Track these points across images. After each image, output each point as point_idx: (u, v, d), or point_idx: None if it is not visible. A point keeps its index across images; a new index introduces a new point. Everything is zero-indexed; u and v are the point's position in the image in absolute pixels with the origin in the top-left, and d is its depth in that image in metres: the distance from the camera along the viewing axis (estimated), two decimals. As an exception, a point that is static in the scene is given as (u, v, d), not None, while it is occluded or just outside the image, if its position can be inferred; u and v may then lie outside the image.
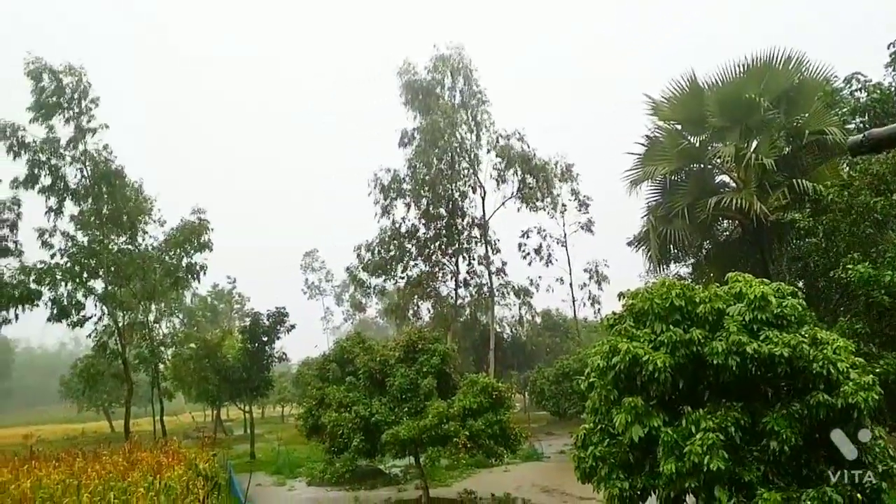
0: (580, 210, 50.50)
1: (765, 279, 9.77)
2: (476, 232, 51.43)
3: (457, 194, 50.18)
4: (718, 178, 26.52)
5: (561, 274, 52.04)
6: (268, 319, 41.60)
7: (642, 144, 26.80)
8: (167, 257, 45.20)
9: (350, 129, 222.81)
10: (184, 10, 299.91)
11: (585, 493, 13.77)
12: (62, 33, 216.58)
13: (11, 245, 39.60)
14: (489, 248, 50.82)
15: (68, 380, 65.60)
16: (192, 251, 44.65)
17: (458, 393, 21.09)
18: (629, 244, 28.70)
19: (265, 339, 41.30)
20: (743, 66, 24.16)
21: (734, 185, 24.72)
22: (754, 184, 22.96)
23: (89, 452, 26.86)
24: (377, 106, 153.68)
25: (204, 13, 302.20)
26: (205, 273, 45.85)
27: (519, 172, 49.26)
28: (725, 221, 27.41)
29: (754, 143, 23.86)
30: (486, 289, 51.46)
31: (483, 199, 50.45)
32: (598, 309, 51.61)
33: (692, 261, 29.13)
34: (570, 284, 52.09)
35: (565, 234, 51.25)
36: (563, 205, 50.39)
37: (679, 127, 26.21)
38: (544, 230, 51.46)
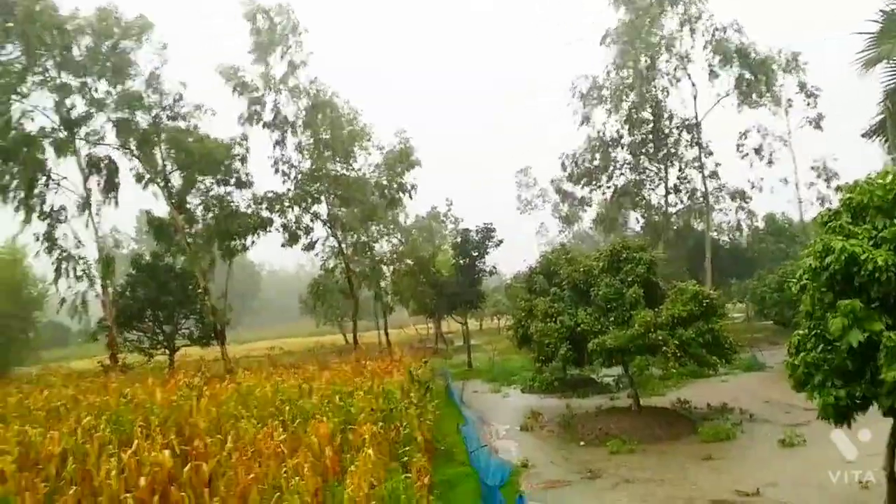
0: (808, 104, 45.86)
1: None
2: (686, 135, 48.52)
3: (661, 96, 47.38)
4: (975, 51, 22.70)
5: (785, 174, 48.20)
6: (476, 235, 42.75)
7: (876, 21, 23.50)
8: (384, 179, 47.60)
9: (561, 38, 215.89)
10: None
11: (811, 404, 12.91)
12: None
13: (244, 177, 43.76)
14: (701, 150, 47.81)
15: (305, 298, 71.91)
16: (402, 172, 46.66)
17: (665, 302, 20.50)
18: (864, 136, 25.70)
19: (475, 254, 42.55)
20: None
21: None
22: None
23: (322, 362, 29.72)
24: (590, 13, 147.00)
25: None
26: (415, 191, 47.87)
27: (736, 68, 45.38)
28: None
29: None
30: (699, 194, 48.81)
31: (694, 98, 47.29)
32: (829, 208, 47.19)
33: (942, 149, 25.54)
34: (796, 184, 48.17)
35: (790, 131, 47.12)
36: (789, 99, 46.04)
37: (924, -7, 22.63)
38: (764, 128, 47.56)
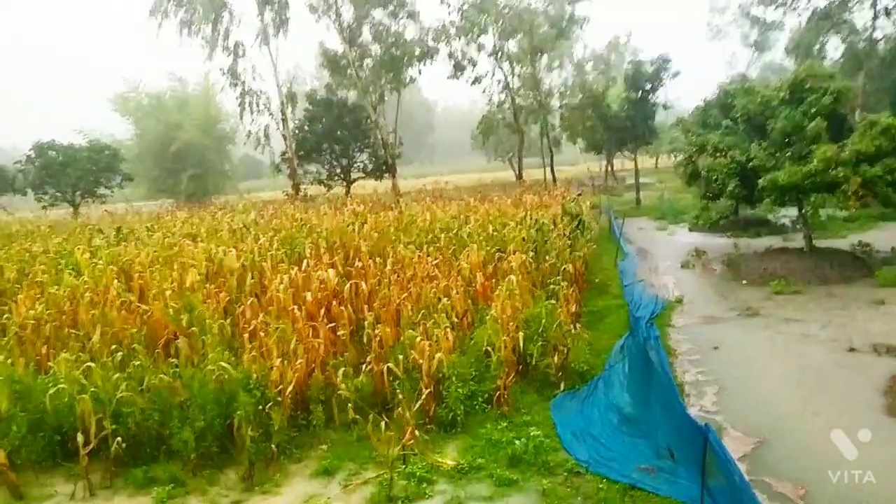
0: None
1: None
2: (908, -59, 41.60)
3: None
4: None
5: None
6: (650, 67, 40.32)
7: None
8: (550, 8, 45.43)
9: None
10: None
11: None
12: None
13: (412, 9, 43.52)
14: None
15: (475, 134, 72.30)
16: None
17: (853, 136, 18.62)
18: None
19: (648, 87, 40.37)
20: None
21: None
22: None
23: (484, 195, 30.32)
24: None
25: None
26: (587, 22, 45.50)
27: None
28: None
29: None
30: (916, 16, 42.45)
31: None
32: None
33: None
34: None
35: None
36: None
37: None
38: None
